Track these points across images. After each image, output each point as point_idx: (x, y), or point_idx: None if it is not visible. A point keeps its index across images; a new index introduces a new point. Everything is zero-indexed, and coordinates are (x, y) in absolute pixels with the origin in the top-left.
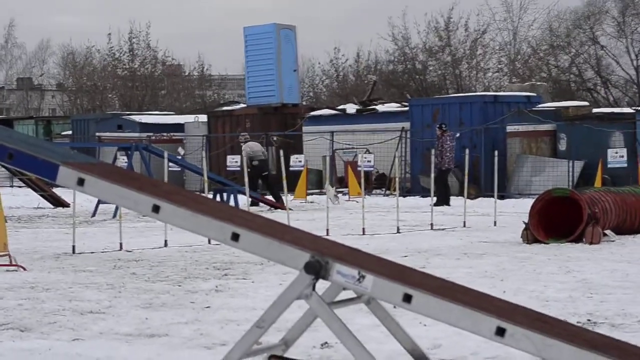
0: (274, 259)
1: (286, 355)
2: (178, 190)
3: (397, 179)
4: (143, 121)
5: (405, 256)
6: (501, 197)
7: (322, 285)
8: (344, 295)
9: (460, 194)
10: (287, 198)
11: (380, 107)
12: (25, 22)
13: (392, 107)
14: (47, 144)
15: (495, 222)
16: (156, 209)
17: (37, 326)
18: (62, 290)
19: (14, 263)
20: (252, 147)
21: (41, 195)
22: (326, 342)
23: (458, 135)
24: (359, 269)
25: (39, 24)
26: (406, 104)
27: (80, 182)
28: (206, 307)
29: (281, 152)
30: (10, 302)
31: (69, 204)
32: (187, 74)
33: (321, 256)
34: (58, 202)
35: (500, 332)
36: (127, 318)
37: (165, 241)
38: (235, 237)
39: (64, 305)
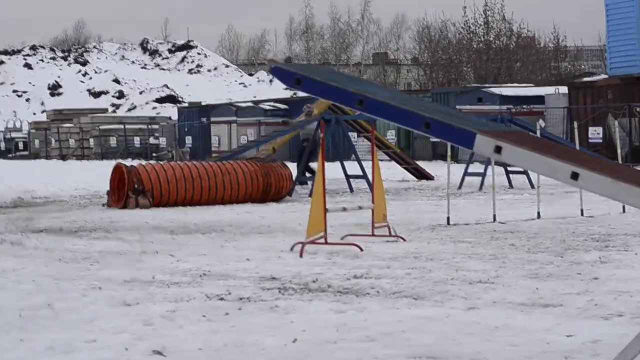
0: None
1: None
2: (593, 158)
3: None
4: (503, 94)
5: None
6: None
7: None
8: None
9: None
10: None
11: None
12: None
13: None
14: (460, 113)
15: None
16: (575, 176)
17: (429, 294)
18: (445, 260)
19: (393, 234)
20: None
21: (405, 168)
22: None
23: None
24: None
25: None
26: None
27: (497, 149)
28: (594, 278)
29: None
30: (398, 271)
31: (434, 177)
32: (541, 45)
33: None
34: (422, 175)
35: None
36: (517, 288)
37: (538, 213)
38: None
39: (451, 274)
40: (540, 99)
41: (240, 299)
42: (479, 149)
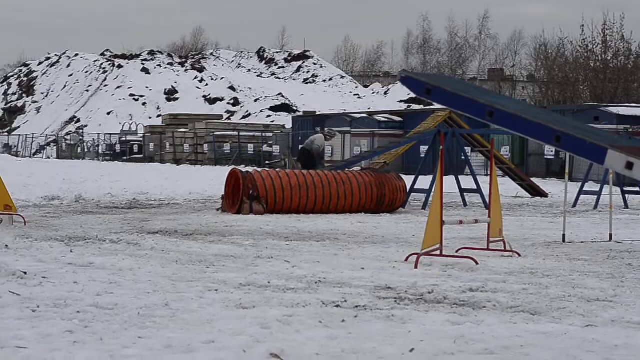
0: None
1: None
2: None
3: None
4: (620, 113)
5: None
6: None
7: None
8: None
9: None
10: None
11: None
12: (499, 12)
13: None
14: (592, 128)
15: None
16: None
17: (547, 310)
18: (562, 277)
19: (509, 249)
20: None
21: (519, 185)
22: None
23: None
24: None
25: (513, 14)
26: None
27: (629, 165)
28: None
29: None
30: (514, 286)
31: (547, 194)
32: None
33: None
34: (536, 192)
35: None
36: (636, 307)
37: None
38: None
39: (568, 291)
40: None
41: (356, 306)
42: (609, 164)
